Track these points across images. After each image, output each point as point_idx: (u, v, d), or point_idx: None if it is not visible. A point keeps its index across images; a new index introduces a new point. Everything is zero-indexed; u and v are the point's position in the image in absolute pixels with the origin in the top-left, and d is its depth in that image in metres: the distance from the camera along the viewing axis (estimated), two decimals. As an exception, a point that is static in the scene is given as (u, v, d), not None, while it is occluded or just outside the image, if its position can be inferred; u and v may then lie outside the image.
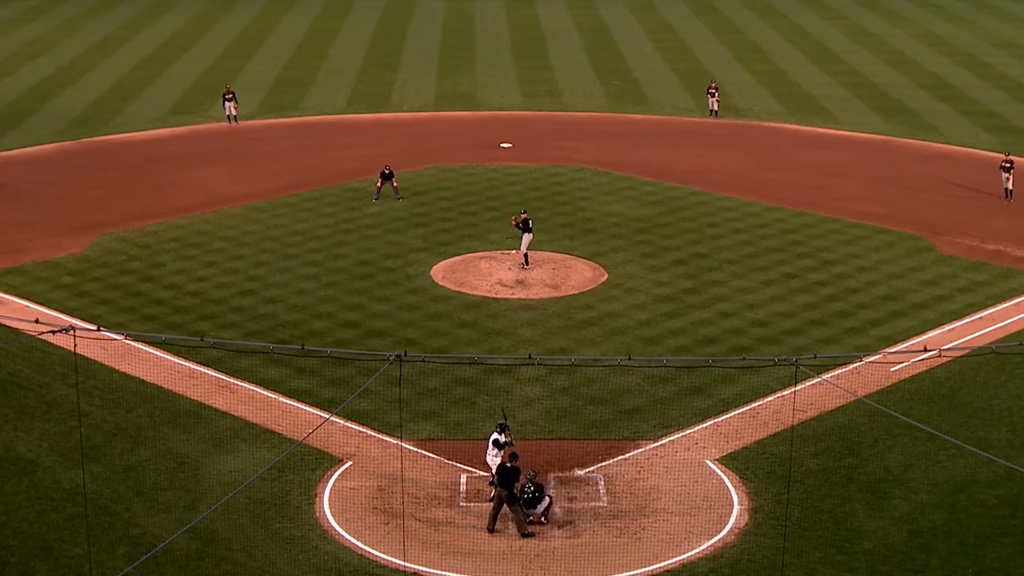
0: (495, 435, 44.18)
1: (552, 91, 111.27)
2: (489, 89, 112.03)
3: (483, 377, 52.89)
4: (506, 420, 45.27)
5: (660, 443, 47.89)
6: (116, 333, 51.91)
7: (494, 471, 43.30)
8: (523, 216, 65.94)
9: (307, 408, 50.16)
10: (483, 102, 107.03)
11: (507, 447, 43.76)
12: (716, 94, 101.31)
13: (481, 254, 68.36)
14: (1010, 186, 78.79)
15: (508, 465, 42.25)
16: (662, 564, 40.34)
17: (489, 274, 65.33)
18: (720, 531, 42.24)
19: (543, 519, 42.55)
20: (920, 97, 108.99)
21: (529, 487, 42.44)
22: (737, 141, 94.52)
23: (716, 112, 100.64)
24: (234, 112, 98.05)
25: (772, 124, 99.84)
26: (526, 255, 65.62)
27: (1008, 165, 78.99)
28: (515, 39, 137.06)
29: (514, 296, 62.50)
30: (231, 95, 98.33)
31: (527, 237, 65.47)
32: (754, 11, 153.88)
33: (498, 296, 62.49)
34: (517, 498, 42.19)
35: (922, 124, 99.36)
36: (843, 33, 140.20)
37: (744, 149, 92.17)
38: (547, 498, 42.83)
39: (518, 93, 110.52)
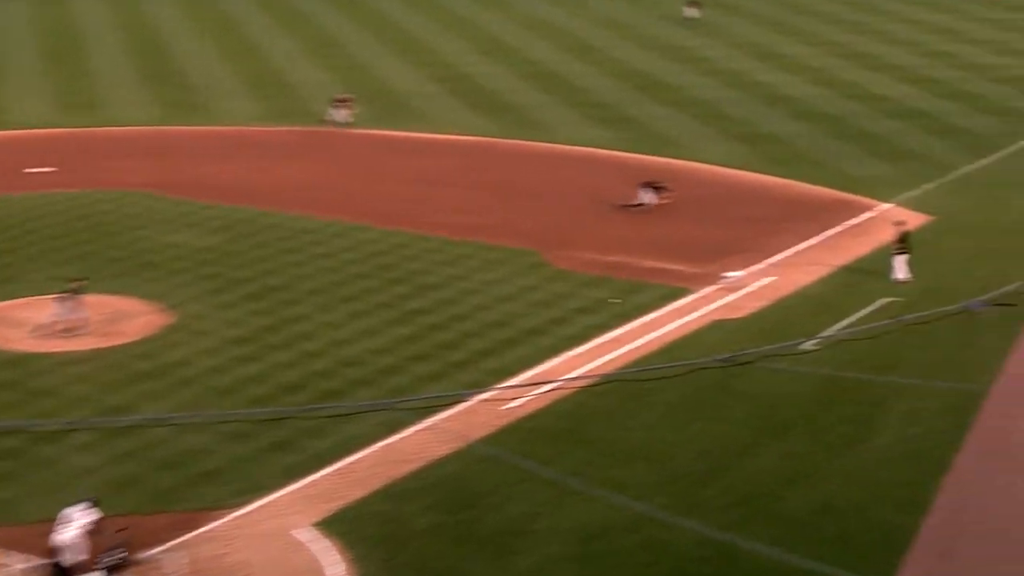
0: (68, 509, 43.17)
1: (93, 102, 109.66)
2: (18, 103, 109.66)
3: (28, 447, 51.63)
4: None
5: (245, 511, 47.57)
6: None
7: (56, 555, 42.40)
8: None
9: None
10: (11, 119, 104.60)
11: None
12: (349, 104, 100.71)
13: (22, 300, 66.75)
14: (646, 201, 79.41)
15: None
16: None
17: (29, 323, 63.87)
18: (322, 607, 42.41)
19: None
20: (521, 89, 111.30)
21: (120, 551, 41.80)
22: (313, 151, 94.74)
23: (350, 123, 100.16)
24: None
25: (357, 130, 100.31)
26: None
27: (658, 187, 79.92)
28: (44, 43, 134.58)
29: (61, 349, 61.27)
30: None
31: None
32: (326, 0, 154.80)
33: (40, 351, 61.16)
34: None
35: (527, 120, 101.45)
36: (431, 20, 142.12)
37: (323, 160, 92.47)
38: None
39: (54, 105, 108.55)
